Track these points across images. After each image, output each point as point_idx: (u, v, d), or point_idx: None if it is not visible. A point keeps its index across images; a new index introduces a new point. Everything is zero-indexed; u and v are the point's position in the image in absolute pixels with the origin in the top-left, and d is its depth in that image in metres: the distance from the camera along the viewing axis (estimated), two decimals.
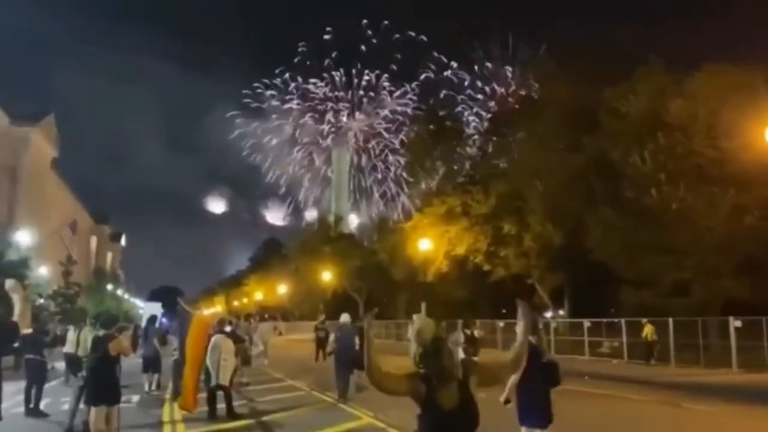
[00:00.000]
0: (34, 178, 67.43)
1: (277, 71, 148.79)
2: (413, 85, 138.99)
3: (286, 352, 36.57)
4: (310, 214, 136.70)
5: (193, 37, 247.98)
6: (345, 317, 17.54)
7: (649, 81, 29.32)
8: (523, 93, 55.00)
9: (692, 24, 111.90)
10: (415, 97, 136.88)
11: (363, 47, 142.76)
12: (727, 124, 26.28)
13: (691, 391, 17.61)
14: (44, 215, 67.59)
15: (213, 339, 12.56)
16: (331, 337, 18.34)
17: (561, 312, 41.97)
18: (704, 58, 32.10)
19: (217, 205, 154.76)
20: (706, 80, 27.51)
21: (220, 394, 12.82)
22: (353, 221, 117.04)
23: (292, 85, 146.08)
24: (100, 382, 9.08)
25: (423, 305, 35.22)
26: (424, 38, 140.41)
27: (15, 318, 6.36)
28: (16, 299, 7.10)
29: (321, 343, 27.04)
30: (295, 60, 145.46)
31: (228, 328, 13.93)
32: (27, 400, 13.15)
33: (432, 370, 3.69)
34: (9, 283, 7.58)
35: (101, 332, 9.45)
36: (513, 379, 7.08)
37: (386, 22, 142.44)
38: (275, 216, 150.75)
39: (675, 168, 27.47)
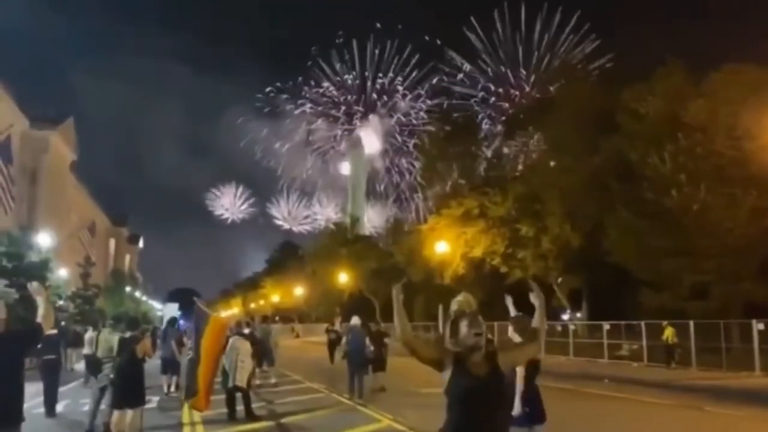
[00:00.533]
0: (53, 180, 68.10)
1: (291, 75, 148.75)
2: (425, 88, 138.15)
3: (301, 354, 36.67)
4: (325, 217, 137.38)
5: (210, 39, 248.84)
6: (356, 320, 18.17)
7: (667, 82, 29.09)
8: (538, 95, 54.89)
9: (708, 24, 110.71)
10: (428, 100, 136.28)
11: (376, 50, 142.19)
12: (748, 125, 25.98)
13: (715, 394, 17.39)
14: (63, 217, 68.26)
15: (230, 340, 12.59)
16: (344, 339, 18.93)
17: (578, 314, 41.67)
18: (722, 57, 31.70)
19: (227, 209, 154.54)
20: (726, 80, 27.27)
21: (239, 395, 12.84)
22: (372, 220, 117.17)
23: (305, 88, 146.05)
24: (127, 385, 9.11)
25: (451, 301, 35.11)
26: (438, 41, 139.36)
27: (39, 320, 6.35)
28: (40, 301, 7.14)
29: (332, 344, 28.02)
30: (308, 63, 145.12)
31: (246, 330, 13.94)
32: (46, 401, 13.27)
33: (460, 336, 3.97)
34: (32, 286, 7.61)
35: (127, 334, 9.48)
36: (520, 386, 7.15)
37: (400, 26, 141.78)
38: (290, 220, 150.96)
39: (695, 169, 27.21)
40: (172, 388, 17.30)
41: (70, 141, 75.99)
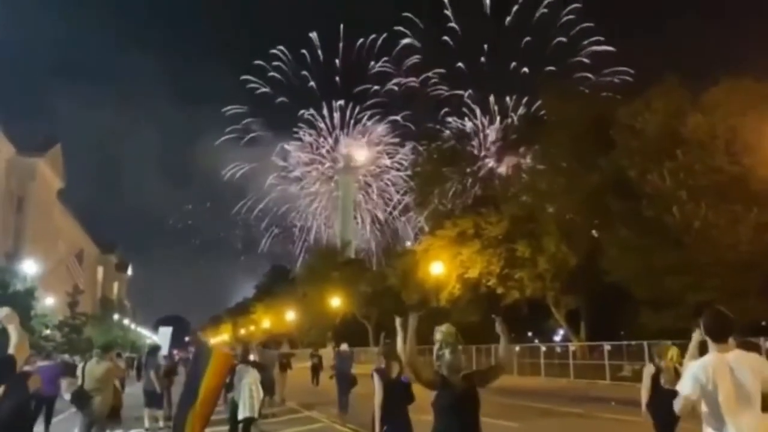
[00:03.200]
0: (40, 207, 67.19)
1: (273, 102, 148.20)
2: (404, 113, 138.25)
3: (293, 380, 35.78)
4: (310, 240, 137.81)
5: (193, 67, 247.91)
6: (344, 346, 20.99)
7: (665, 97, 28.77)
8: (526, 113, 54.53)
9: (702, 38, 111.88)
10: (407, 122, 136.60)
11: (358, 72, 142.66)
12: (747, 139, 25.70)
13: None
14: (51, 245, 67.21)
15: (237, 368, 11.75)
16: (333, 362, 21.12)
17: (565, 337, 41.06)
18: (718, 72, 31.46)
19: None
20: (724, 95, 27.00)
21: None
22: (367, 245, 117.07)
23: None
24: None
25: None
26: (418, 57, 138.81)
27: (11, 350, 5.43)
28: (12, 329, 6.47)
29: (315, 368, 30.61)
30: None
31: (252, 357, 13.20)
32: None
33: (444, 360, 5.10)
34: (2, 312, 6.87)
35: (26, 367, 7.85)
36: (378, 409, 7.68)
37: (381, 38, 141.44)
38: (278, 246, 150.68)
39: (695, 185, 26.79)
40: (161, 423, 16.33)
41: (58, 168, 75.10)
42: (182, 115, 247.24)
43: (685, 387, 4.43)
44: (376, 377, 7.72)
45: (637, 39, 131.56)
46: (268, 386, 18.43)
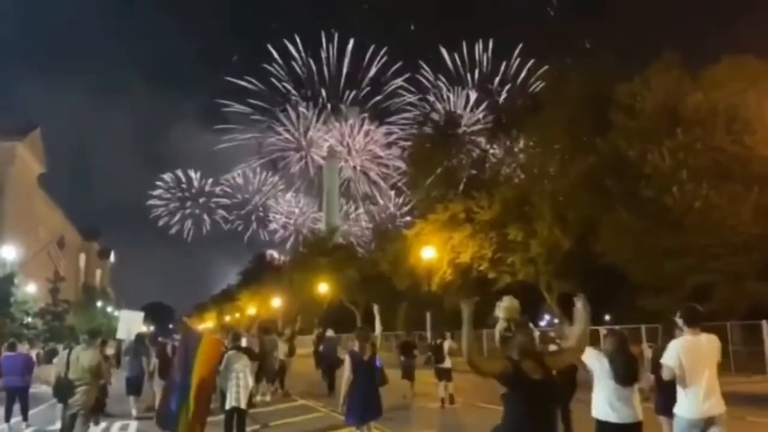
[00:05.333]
0: (20, 193, 65.79)
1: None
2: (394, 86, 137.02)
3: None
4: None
5: (170, 55, 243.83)
6: (330, 332, 23.11)
7: (664, 76, 28.15)
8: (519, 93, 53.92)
9: (701, 16, 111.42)
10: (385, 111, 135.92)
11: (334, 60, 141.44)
12: (749, 118, 25.20)
13: (741, 401, 16.15)
14: (31, 231, 65.87)
15: (226, 356, 10.79)
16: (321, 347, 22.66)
17: (556, 321, 40.54)
18: (716, 50, 30.84)
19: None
20: (725, 73, 26.51)
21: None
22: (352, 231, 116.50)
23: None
24: None
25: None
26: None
27: None
28: None
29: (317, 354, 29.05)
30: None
31: (243, 342, 12.31)
32: None
33: (515, 343, 4.41)
34: None
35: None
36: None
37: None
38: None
39: (696, 165, 26.23)
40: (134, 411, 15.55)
41: (38, 153, 73.56)
42: (160, 102, 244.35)
43: (668, 359, 6.02)
44: (347, 358, 8.25)
45: (630, 18, 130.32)
46: (270, 373, 17.77)
